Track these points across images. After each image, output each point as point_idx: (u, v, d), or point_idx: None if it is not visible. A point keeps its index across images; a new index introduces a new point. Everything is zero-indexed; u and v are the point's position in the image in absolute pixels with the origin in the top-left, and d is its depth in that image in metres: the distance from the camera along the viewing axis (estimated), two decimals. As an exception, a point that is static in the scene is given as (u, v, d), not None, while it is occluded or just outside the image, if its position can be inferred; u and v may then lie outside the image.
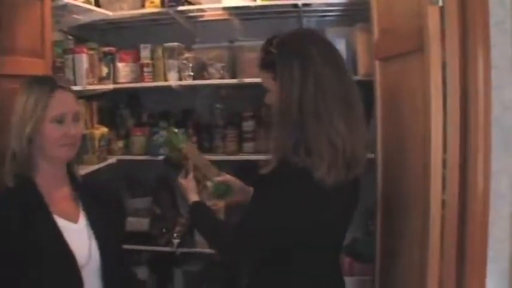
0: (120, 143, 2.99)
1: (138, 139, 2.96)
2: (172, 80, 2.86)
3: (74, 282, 1.49)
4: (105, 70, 2.79)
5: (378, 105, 2.00)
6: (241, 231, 1.47)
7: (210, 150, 2.93)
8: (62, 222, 1.50)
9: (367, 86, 2.30)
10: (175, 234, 2.91)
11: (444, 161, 1.36)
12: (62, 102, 1.52)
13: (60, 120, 1.50)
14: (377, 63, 2.00)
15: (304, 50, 1.42)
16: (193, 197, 1.65)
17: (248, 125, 2.88)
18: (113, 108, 3.12)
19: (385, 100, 1.94)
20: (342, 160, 1.37)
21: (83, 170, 2.43)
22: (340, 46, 2.63)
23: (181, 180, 1.71)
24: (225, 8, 2.81)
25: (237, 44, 2.84)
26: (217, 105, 2.99)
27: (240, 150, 2.89)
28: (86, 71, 2.50)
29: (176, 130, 1.58)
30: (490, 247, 1.39)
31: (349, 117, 1.39)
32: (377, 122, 2.03)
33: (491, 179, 1.36)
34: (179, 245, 2.90)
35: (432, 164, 1.35)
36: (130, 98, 3.18)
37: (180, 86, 2.87)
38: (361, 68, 2.58)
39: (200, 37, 3.05)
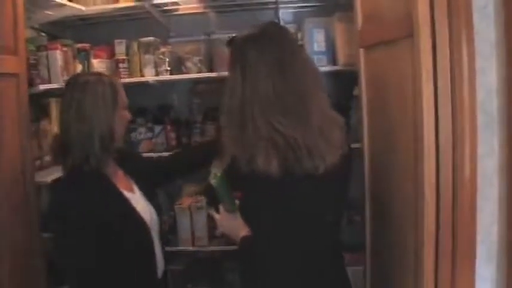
0: (97, 142, 2.92)
1: (116, 136, 2.90)
2: (149, 76, 2.80)
3: (147, 244, 1.75)
4: (79, 67, 2.72)
5: (363, 93, 1.99)
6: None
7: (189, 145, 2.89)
8: (127, 194, 1.76)
9: (347, 76, 2.33)
10: (158, 233, 2.86)
11: (436, 146, 1.36)
12: None
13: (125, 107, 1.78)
14: (361, 51, 1.97)
15: (244, 54, 1.45)
16: (244, 232, 1.54)
17: (227, 120, 2.84)
18: (88, 106, 3.05)
19: (370, 88, 1.94)
20: (293, 155, 1.38)
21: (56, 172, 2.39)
22: (319, 36, 2.65)
23: (226, 217, 1.62)
24: (200, 1, 2.78)
25: (213, 37, 2.79)
26: (195, 100, 2.95)
27: (219, 145, 2.86)
28: (60, 68, 2.44)
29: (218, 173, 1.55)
30: (478, 231, 1.40)
31: (291, 114, 1.40)
32: (362, 111, 2.02)
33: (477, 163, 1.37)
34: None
35: (426, 149, 1.35)
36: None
37: (157, 81, 2.82)
38: (341, 58, 2.59)
39: (176, 31, 2.99)
